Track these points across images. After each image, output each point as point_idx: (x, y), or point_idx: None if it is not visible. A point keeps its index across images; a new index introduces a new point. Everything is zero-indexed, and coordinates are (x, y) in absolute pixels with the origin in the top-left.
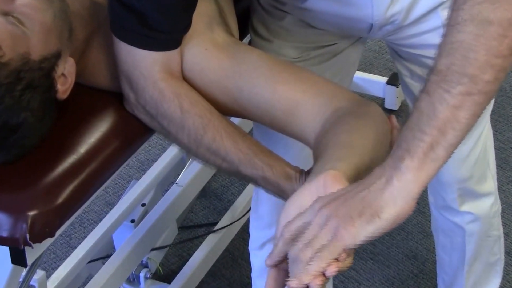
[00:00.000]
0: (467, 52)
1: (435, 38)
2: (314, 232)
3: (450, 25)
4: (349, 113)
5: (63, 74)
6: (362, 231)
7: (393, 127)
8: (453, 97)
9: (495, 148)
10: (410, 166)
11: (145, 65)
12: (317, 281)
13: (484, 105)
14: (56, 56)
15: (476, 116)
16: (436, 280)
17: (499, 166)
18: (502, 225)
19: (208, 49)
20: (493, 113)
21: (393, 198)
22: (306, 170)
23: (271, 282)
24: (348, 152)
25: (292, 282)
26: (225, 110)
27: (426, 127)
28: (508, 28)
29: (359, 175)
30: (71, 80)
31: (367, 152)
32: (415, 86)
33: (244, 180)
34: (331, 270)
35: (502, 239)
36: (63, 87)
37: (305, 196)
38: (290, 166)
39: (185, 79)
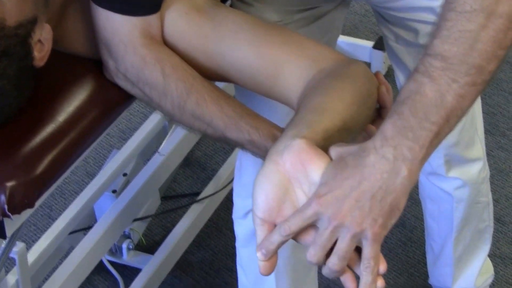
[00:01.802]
0: (475, 43)
1: (420, 1)
2: (344, 247)
3: (457, 12)
4: (329, 74)
5: (39, 41)
6: (388, 227)
7: (381, 83)
8: (461, 87)
9: (484, 113)
10: (419, 157)
11: (124, 31)
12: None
13: (481, 92)
14: (32, 22)
15: (473, 102)
16: (424, 247)
17: (488, 131)
18: (492, 191)
19: (188, 13)
20: None
21: (405, 189)
22: None
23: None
24: (316, 116)
25: None
26: (208, 74)
27: (435, 117)
28: None
29: (330, 138)
30: (48, 46)
31: (339, 114)
32: (401, 50)
33: (230, 144)
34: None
35: (491, 206)
36: (40, 54)
37: (280, 172)
38: (277, 128)
39: (166, 44)
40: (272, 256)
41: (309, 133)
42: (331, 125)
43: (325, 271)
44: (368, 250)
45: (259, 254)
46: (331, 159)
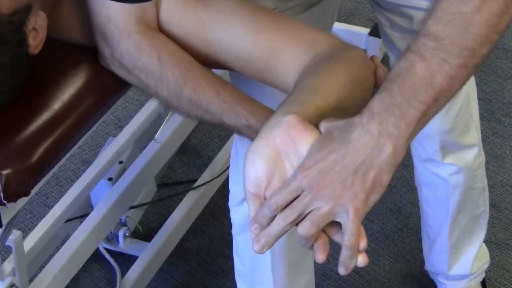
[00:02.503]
0: (469, 26)
1: None
2: (319, 215)
3: None
4: (325, 58)
5: (34, 28)
6: (370, 204)
7: (377, 66)
8: (452, 68)
9: (479, 100)
10: (405, 134)
11: (120, 18)
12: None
13: (472, 75)
14: (27, 10)
15: (463, 85)
16: (420, 234)
17: (484, 118)
18: (487, 177)
19: (184, 0)
20: None
21: (389, 165)
22: None
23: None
24: (309, 95)
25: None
26: (205, 61)
27: (423, 96)
28: (510, 6)
29: (322, 116)
30: (42, 34)
31: (332, 93)
32: (396, 37)
33: (227, 130)
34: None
35: (487, 192)
36: (35, 41)
37: (269, 147)
38: (273, 112)
39: (162, 31)
40: (264, 224)
41: (300, 110)
42: (323, 104)
43: (297, 238)
44: (350, 226)
45: (252, 228)
46: (319, 133)
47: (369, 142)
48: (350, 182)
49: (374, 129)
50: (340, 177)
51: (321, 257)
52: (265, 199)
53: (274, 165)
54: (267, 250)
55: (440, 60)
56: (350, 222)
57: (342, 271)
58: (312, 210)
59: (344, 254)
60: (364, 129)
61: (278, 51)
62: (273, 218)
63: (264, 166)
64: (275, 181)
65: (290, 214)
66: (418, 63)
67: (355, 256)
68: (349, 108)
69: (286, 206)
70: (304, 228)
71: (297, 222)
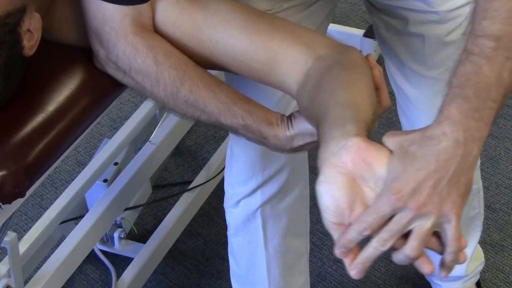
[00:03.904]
0: None
1: None
2: (425, 233)
3: None
4: (334, 63)
5: (29, 30)
6: (463, 205)
7: (373, 66)
8: None
9: None
10: (485, 134)
11: (116, 20)
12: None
13: None
14: (21, 11)
15: None
16: None
17: None
18: (482, 178)
19: (179, 1)
20: None
21: (474, 165)
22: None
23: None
24: (352, 112)
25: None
26: (200, 62)
27: (495, 95)
28: None
29: (370, 132)
30: (37, 36)
31: (368, 107)
32: (390, 38)
33: (224, 130)
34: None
35: (482, 193)
36: (29, 43)
37: (343, 174)
38: (270, 112)
39: (158, 33)
40: (351, 253)
41: (357, 129)
42: (367, 119)
43: (399, 257)
44: (452, 232)
45: (338, 252)
46: (388, 150)
47: (458, 150)
48: (446, 192)
49: (460, 137)
50: (436, 191)
51: (428, 268)
52: (349, 225)
53: (353, 191)
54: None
55: (503, 58)
56: (453, 229)
57: (444, 274)
58: (412, 229)
59: (449, 258)
60: (450, 139)
61: (275, 51)
62: (360, 241)
63: (343, 195)
64: (357, 206)
65: (388, 238)
66: (485, 66)
67: (458, 257)
68: (376, 116)
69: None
70: (414, 249)
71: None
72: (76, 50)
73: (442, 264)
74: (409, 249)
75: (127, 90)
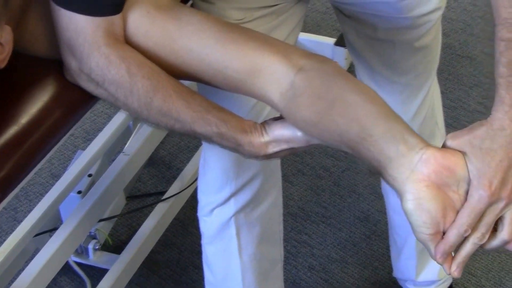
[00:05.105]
0: None
1: None
2: None
3: None
4: (324, 73)
5: (0, 43)
6: None
7: None
8: None
9: (445, 107)
10: None
11: (88, 31)
12: None
13: None
14: None
15: None
16: (388, 241)
17: (450, 125)
18: None
19: (150, 12)
20: (442, 72)
21: None
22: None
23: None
24: (401, 123)
25: None
26: (172, 72)
27: None
28: None
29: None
30: (8, 48)
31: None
32: (361, 45)
33: (199, 138)
34: None
35: None
36: (1, 56)
37: (429, 187)
38: (243, 120)
39: (129, 44)
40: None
41: (419, 140)
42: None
43: (494, 244)
44: None
45: (440, 259)
46: (459, 151)
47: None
48: None
49: None
50: None
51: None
52: (443, 232)
53: (442, 199)
54: None
55: None
56: None
57: None
58: (503, 215)
59: None
60: None
61: (251, 60)
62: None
63: (435, 205)
64: (449, 212)
65: (486, 231)
66: None
67: None
68: None
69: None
70: (511, 232)
71: None
72: (48, 62)
73: None
74: (507, 233)
75: (101, 102)
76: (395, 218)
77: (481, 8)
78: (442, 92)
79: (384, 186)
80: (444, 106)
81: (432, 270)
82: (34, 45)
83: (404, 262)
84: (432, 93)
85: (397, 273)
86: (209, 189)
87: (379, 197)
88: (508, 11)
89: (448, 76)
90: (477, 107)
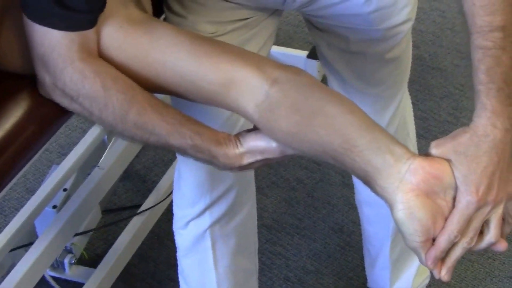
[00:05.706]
0: None
1: (350, 8)
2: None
3: None
4: (300, 85)
5: None
6: None
7: None
8: None
9: (416, 118)
10: None
11: (62, 46)
12: None
13: None
14: None
15: None
16: (362, 252)
17: (421, 136)
18: None
19: (123, 26)
20: (413, 83)
21: None
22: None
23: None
24: (385, 134)
25: None
26: (147, 85)
27: None
28: None
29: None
30: None
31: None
32: (333, 57)
33: (173, 151)
34: None
35: None
36: None
37: (418, 195)
38: (217, 132)
39: (103, 58)
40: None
41: (405, 150)
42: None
43: (482, 246)
44: None
45: (431, 265)
46: (444, 159)
47: (509, 136)
48: (506, 176)
49: (507, 125)
50: (503, 178)
51: (505, 244)
52: (433, 239)
53: (431, 207)
54: None
55: (511, 43)
56: None
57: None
58: (489, 218)
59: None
60: (501, 129)
61: (224, 72)
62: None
63: (426, 213)
64: (438, 219)
65: (474, 235)
66: (502, 55)
67: None
68: None
69: None
70: (497, 234)
71: None
72: (21, 77)
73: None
74: (494, 236)
75: (75, 116)
76: (369, 229)
77: (450, 20)
78: (413, 103)
79: (358, 197)
80: (415, 117)
81: (406, 280)
82: (7, 60)
83: (379, 272)
84: (403, 104)
85: (371, 283)
86: (184, 202)
87: (353, 208)
88: (483, 19)
89: (419, 87)
90: (448, 117)
